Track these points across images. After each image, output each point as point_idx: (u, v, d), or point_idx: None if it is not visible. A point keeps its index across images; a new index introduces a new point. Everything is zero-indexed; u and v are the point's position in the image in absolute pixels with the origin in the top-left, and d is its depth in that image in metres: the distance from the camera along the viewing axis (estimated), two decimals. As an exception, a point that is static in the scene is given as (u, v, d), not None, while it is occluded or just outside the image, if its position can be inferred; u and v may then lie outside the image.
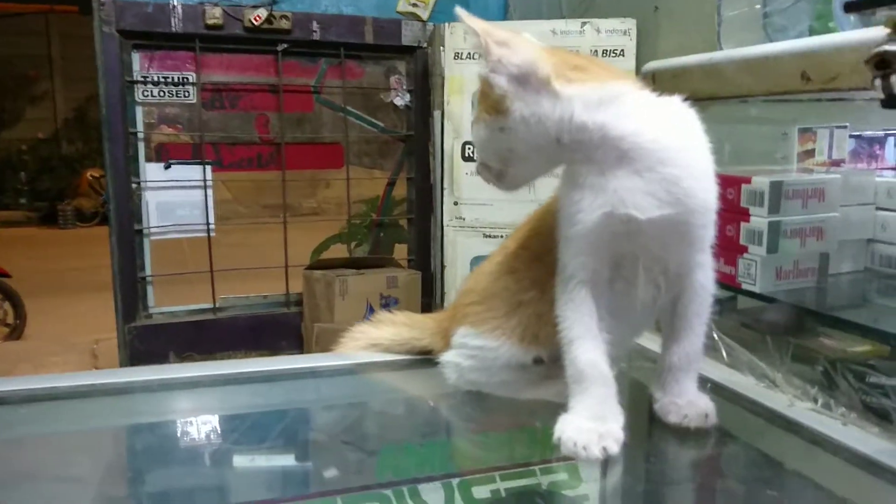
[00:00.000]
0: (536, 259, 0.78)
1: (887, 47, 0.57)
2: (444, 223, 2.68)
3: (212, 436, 0.88)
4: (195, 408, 0.94)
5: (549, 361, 0.80)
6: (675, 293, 0.74)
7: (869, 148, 1.14)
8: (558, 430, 0.71)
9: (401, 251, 3.11)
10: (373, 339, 1.00)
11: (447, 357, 0.87)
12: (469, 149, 2.56)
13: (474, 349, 0.83)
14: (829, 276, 0.97)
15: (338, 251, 3.05)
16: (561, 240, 0.73)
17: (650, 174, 0.67)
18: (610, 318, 0.73)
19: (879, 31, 0.70)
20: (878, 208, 1.01)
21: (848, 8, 0.65)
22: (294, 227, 2.91)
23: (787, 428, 0.78)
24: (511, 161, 0.73)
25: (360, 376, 1.00)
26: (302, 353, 2.83)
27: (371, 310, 2.79)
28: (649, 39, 2.40)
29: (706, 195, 0.69)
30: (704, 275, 0.74)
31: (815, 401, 0.79)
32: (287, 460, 0.85)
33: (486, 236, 2.62)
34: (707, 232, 0.72)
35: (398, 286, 2.80)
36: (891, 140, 1.15)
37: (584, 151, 0.69)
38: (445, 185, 2.67)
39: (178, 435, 0.88)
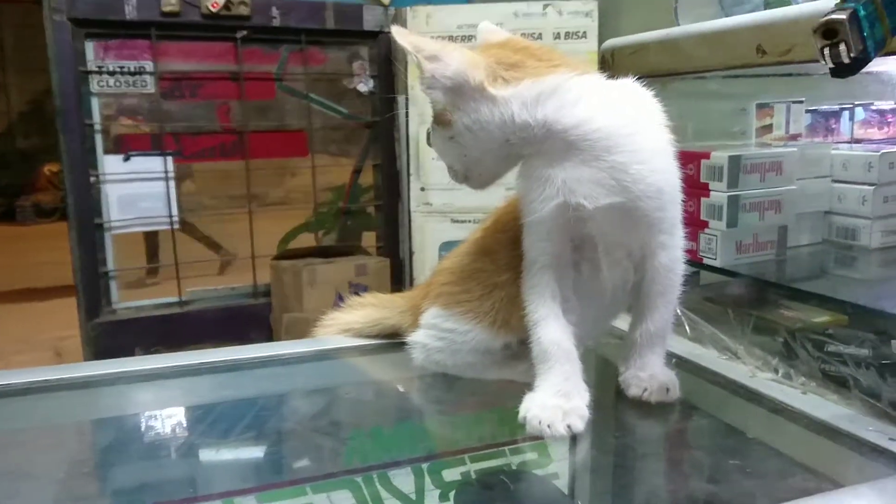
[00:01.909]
0: (513, 242, 0.77)
1: (834, 16, 0.57)
2: (412, 209, 2.67)
3: (178, 428, 0.87)
4: (159, 400, 0.93)
5: (518, 344, 0.80)
6: (641, 274, 0.75)
7: (825, 122, 1.16)
8: (523, 408, 0.71)
9: (369, 238, 3.10)
10: (344, 325, 0.99)
11: (415, 337, 0.86)
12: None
13: (445, 331, 0.82)
14: (788, 248, 0.98)
15: (306, 240, 3.03)
16: (524, 226, 0.74)
17: (597, 163, 0.67)
18: (578, 301, 0.74)
19: (830, 2, 0.70)
20: (835, 180, 1.03)
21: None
22: (261, 217, 2.88)
23: (749, 398, 0.79)
24: (469, 164, 0.73)
25: (327, 362, 0.99)
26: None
27: (341, 298, 2.78)
28: (611, 21, 2.42)
29: (657, 178, 0.68)
30: (668, 255, 0.74)
31: (776, 371, 0.81)
32: (254, 450, 0.84)
33: (454, 221, 2.62)
34: (666, 213, 0.71)
35: (367, 274, 2.79)
36: (846, 114, 1.17)
37: (532, 146, 0.69)
38: (412, 171, 2.66)
39: (143, 428, 0.86)
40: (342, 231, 3.08)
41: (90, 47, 2.54)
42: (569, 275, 0.73)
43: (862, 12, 0.57)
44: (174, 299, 2.81)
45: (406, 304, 0.93)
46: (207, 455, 0.81)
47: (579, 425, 0.69)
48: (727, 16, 0.92)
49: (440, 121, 0.70)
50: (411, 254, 2.74)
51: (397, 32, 0.69)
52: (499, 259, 0.80)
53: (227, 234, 3.05)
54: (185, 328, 2.77)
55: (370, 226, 3.11)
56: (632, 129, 0.68)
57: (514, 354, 0.81)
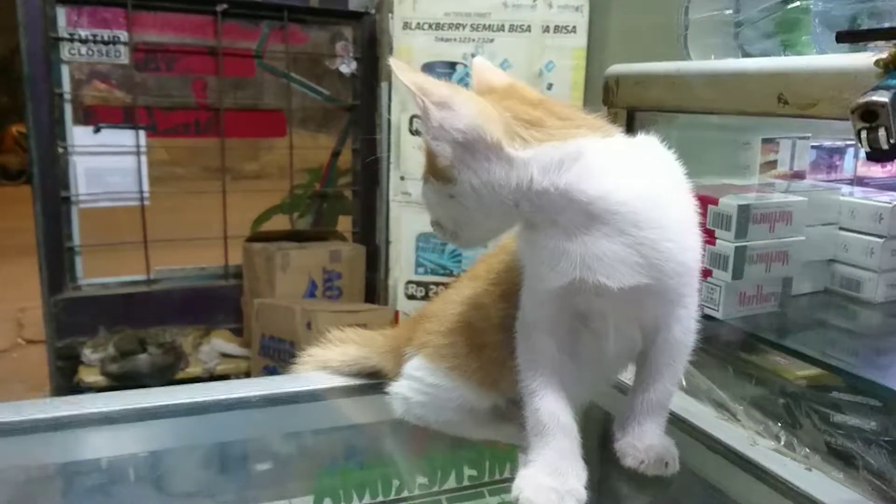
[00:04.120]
0: (505, 297, 0.71)
1: (875, 97, 0.52)
2: (390, 198, 2.60)
3: (144, 471, 0.81)
4: (116, 444, 0.84)
5: (507, 404, 0.75)
6: (650, 345, 0.70)
7: (829, 158, 1.12)
8: (516, 487, 0.66)
9: (344, 223, 3.03)
10: (322, 362, 0.93)
11: (397, 388, 0.81)
12: (417, 122, 2.48)
13: (428, 386, 0.77)
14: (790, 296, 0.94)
15: (280, 222, 2.96)
16: (523, 288, 0.68)
17: (622, 238, 0.60)
18: (577, 367, 0.68)
19: (863, 59, 0.65)
20: (841, 228, 0.99)
21: (840, 38, 0.60)
22: (235, 194, 2.79)
23: (750, 470, 0.75)
24: (464, 224, 0.66)
25: (303, 403, 0.93)
26: (240, 327, 2.75)
27: (314, 285, 2.72)
28: (601, 17, 2.35)
29: (687, 255, 0.63)
30: (682, 327, 0.69)
31: (778, 439, 0.77)
32: (222, 492, 0.79)
33: (432, 213, 2.56)
34: (688, 288, 0.66)
35: (341, 260, 2.73)
36: (850, 151, 1.13)
37: (546, 215, 0.62)
38: (392, 159, 2.59)
39: (108, 472, 0.80)
40: (317, 215, 3.01)
41: (62, 13, 2.42)
42: (569, 342, 0.68)
43: None
44: (141, 277, 2.73)
45: (388, 345, 0.87)
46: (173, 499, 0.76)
47: (575, 508, 0.64)
48: (744, 53, 0.87)
49: (442, 176, 0.62)
50: (387, 243, 2.68)
51: (398, 68, 0.61)
52: (489, 315, 0.74)
53: (199, 211, 2.96)
54: (151, 308, 2.70)
55: (346, 210, 3.04)
56: (662, 203, 0.62)
57: (501, 414, 0.76)
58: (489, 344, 0.74)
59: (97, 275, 2.71)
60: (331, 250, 2.74)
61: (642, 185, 0.61)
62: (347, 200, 3.03)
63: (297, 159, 2.89)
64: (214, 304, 2.82)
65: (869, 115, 0.52)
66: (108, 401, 0.80)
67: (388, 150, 2.60)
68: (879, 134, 0.52)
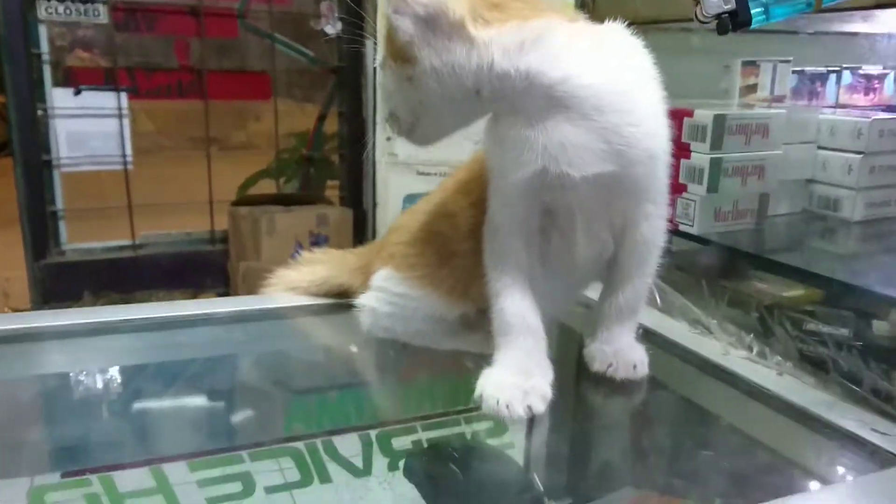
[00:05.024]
0: (475, 205, 0.70)
1: None
2: (377, 159, 2.58)
3: (105, 388, 0.80)
4: (86, 357, 0.85)
5: (476, 314, 0.73)
6: (619, 245, 0.68)
7: (811, 84, 1.10)
8: (480, 385, 0.65)
9: (333, 188, 3.00)
10: (290, 283, 0.92)
11: (364, 300, 0.79)
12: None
13: (395, 296, 0.76)
14: (767, 217, 0.93)
15: (267, 187, 2.93)
16: (489, 188, 0.66)
17: (585, 123, 0.58)
18: (546, 271, 0.67)
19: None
20: (820, 147, 0.97)
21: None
22: (222, 161, 2.77)
23: (722, 378, 0.74)
24: (422, 114, 0.63)
25: (271, 322, 0.92)
26: (227, 292, 2.74)
27: (300, 248, 2.71)
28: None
29: (653, 142, 0.61)
30: (650, 226, 0.67)
31: (751, 349, 0.76)
32: (189, 414, 0.77)
33: (419, 173, 2.53)
34: (656, 181, 0.64)
35: (328, 224, 2.71)
36: (832, 77, 1.11)
37: (508, 102, 0.60)
38: (378, 120, 2.56)
39: (67, 387, 0.79)
40: (305, 179, 2.99)
41: (37, -31, 2.37)
42: (537, 243, 0.66)
43: None
44: (126, 242, 2.71)
45: (358, 263, 0.86)
46: (136, 419, 0.74)
47: (540, 406, 0.63)
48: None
49: (400, 56, 0.60)
50: (374, 205, 2.66)
51: None
52: (459, 223, 0.73)
53: (184, 176, 2.94)
54: (137, 273, 2.68)
55: (333, 175, 3.01)
56: (626, 86, 0.60)
57: (469, 324, 0.75)
58: (458, 252, 0.72)
59: (82, 240, 2.69)
60: (317, 214, 2.72)
61: (606, 69, 0.59)
62: (335, 165, 3.00)
63: (283, 124, 2.86)
64: (201, 268, 2.79)
65: None
66: (68, 315, 0.79)
67: (374, 111, 2.57)
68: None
